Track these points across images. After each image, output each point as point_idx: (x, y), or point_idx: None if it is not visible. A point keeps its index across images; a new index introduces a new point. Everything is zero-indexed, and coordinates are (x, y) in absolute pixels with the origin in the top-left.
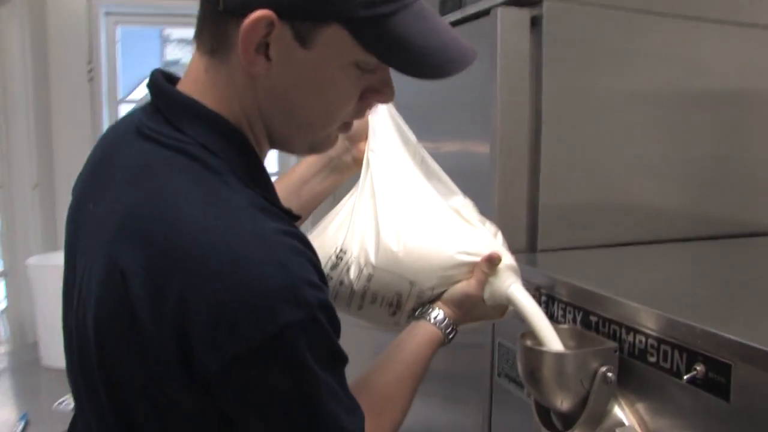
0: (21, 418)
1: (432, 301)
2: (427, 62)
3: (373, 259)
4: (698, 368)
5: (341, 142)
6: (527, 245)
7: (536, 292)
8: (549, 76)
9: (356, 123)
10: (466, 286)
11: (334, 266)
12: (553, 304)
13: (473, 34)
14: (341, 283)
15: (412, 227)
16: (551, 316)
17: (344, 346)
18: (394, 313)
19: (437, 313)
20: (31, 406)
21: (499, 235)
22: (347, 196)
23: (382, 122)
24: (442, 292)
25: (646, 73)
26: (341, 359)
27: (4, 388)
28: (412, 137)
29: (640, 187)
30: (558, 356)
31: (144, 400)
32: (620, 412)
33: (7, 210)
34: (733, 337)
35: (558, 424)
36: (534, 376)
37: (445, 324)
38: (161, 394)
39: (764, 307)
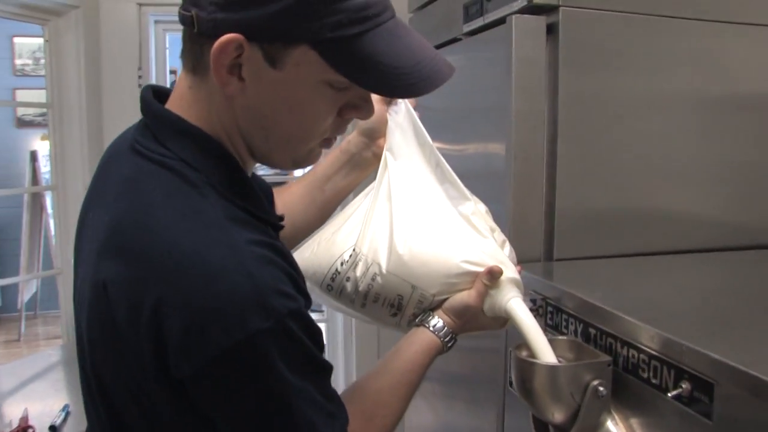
0: (62, 410)
1: (433, 308)
2: (398, 82)
3: (380, 260)
4: (684, 386)
5: (360, 139)
6: (544, 254)
7: (543, 302)
8: (565, 83)
9: (375, 120)
10: (466, 296)
11: (344, 263)
12: (557, 314)
13: (492, 42)
14: (347, 279)
15: (420, 232)
16: (555, 327)
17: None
18: (395, 314)
19: (436, 321)
20: (75, 399)
21: (507, 246)
22: (362, 194)
23: (400, 121)
24: (444, 300)
25: (667, 78)
26: (320, 366)
27: (53, 379)
28: (428, 139)
29: (664, 194)
30: (549, 368)
31: (131, 402)
32: (613, 426)
33: (60, 212)
34: (715, 356)
35: None
36: (526, 387)
37: (444, 332)
38: (144, 396)
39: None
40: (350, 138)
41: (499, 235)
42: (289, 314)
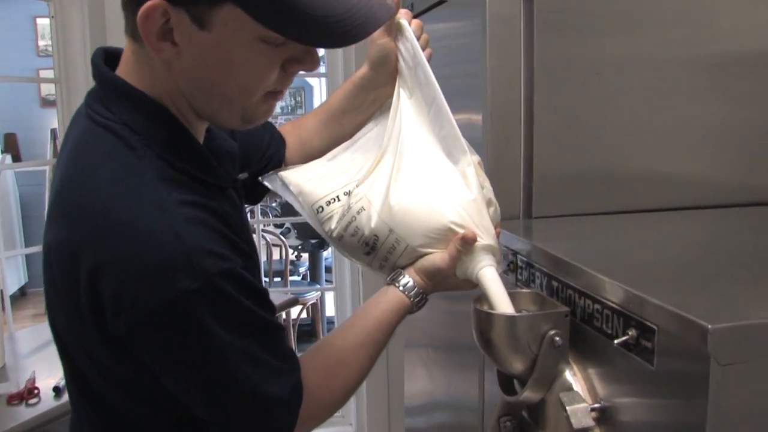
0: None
1: (404, 266)
2: (330, 31)
3: (373, 199)
4: (630, 333)
5: (371, 71)
6: (523, 211)
7: (513, 257)
8: (542, 41)
9: (382, 51)
10: (438, 259)
11: (347, 194)
12: (527, 269)
13: (469, 4)
14: (331, 203)
15: (413, 182)
16: (525, 282)
17: None
18: (368, 254)
19: (407, 280)
20: None
21: (493, 204)
22: (372, 121)
23: (405, 54)
24: (415, 253)
25: (650, 35)
26: (263, 324)
27: None
28: (432, 78)
29: (647, 152)
30: (506, 318)
31: (82, 354)
32: (571, 376)
33: None
34: (654, 300)
35: (518, 390)
36: (485, 338)
37: (414, 292)
38: (91, 349)
39: (732, 275)
40: (362, 71)
41: (488, 192)
42: (220, 274)
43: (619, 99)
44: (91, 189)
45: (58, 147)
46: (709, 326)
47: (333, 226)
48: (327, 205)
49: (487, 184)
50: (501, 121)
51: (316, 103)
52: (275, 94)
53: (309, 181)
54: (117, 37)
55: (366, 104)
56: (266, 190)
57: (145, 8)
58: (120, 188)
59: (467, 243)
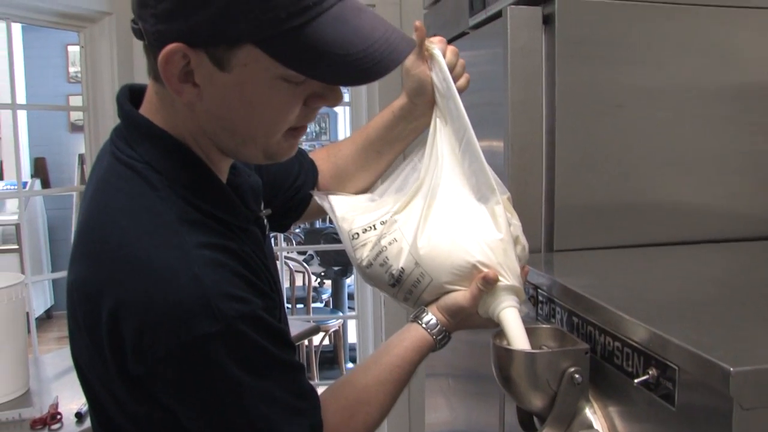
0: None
1: (427, 304)
2: (351, 69)
3: (405, 233)
4: (650, 372)
5: (408, 100)
6: (545, 245)
7: (534, 291)
8: (563, 73)
9: (417, 81)
10: (461, 298)
11: (383, 223)
12: (547, 304)
13: (492, 34)
14: (367, 230)
15: (444, 218)
16: (546, 317)
17: None
18: (393, 285)
19: (430, 318)
20: None
21: (521, 242)
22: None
23: (439, 85)
24: (439, 290)
25: (670, 67)
26: (282, 365)
27: None
28: (463, 112)
29: (668, 185)
30: (526, 355)
31: (103, 390)
32: (591, 414)
33: None
34: (675, 341)
35: (538, 426)
36: (504, 375)
37: (437, 330)
38: (111, 386)
39: (755, 314)
40: (400, 101)
41: (516, 229)
42: (239, 317)
43: (641, 130)
44: (112, 229)
45: (86, 172)
46: (732, 369)
47: (365, 254)
48: (363, 232)
49: (515, 221)
50: (522, 152)
51: (341, 129)
52: (299, 130)
53: (353, 209)
54: (144, 68)
55: (405, 133)
56: (294, 219)
57: (166, 52)
58: (141, 229)
59: (489, 282)
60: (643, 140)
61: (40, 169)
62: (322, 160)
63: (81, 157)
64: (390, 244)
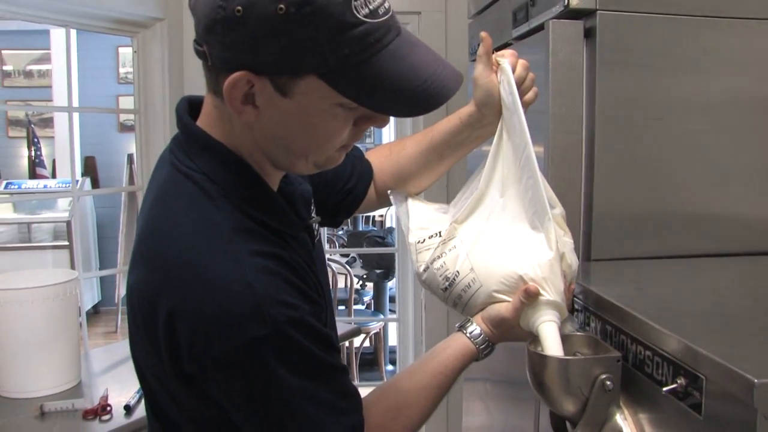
0: (137, 392)
1: (473, 313)
2: (404, 103)
3: (465, 239)
4: (679, 381)
5: (475, 109)
6: (583, 254)
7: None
8: (603, 86)
9: (485, 91)
10: (504, 309)
11: (441, 233)
12: (582, 312)
13: (535, 46)
14: (433, 237)
15: (503, 231)
16: (581, 325)
17: None
18: (445, 289)
19: (474, 328)
20: None
21: (568, 257)
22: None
23: (505, 98)
24: (486, 300)
25: (709, 79)
26: (328, 367)
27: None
28: (525, 127)
29: (707, 196)
30: (560, 361)
31: (159, 387)
32: (621, 420)
33: None
34: (703, 351)
35: (570, 430)
36: (538, 380)
37: (480, 340)
38: (167, 384)
39: None
40: (468, 109)
41: (563, 246)
42: (288, 322)
43: (680, 142)
44: (172, 237)
45: (134, 172)
46: (756, 381)
47: (426, 258)
48: (429, 238)
49: (566, 238)
50: (562, 163)
51: (385, 133)
52: (345, 147)
53: (426, 216)
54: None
55: (470, 140)
56: (346, 216)
57: (232, 78)
58: (198, 238)
59: (530, 296)
60: (681, 152)
61: (90, 168)
62: (384, 157)
63: (130, 157)
64: (450, 250)
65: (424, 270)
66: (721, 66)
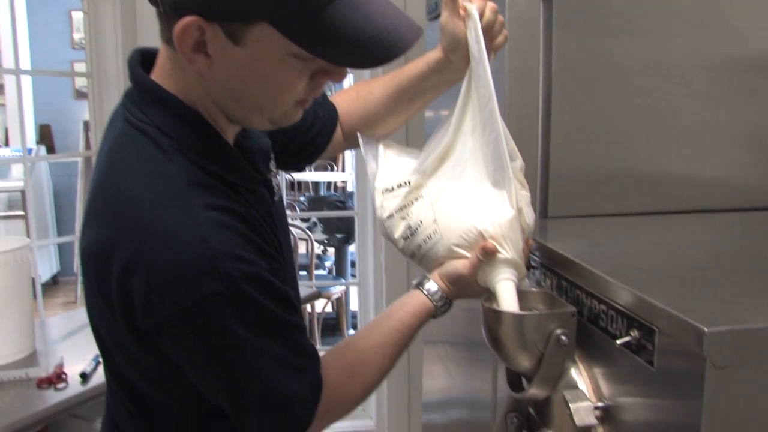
0: (93, 359)
1: (430, 269)
2: (359, 54)
3: (432, 189)
4: (632, 334)
5: (443, 55)
6: (540, 211)
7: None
8: (561, 43)
9: (453, 37)
10: (461, 266)
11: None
12: (539, 268)
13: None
14: (402, 186)
15: (468, 184)
16: (537, 281)
17: None
18: (406, 238)
19: (431, 285)
20: None
21: (526, 212)
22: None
23: (474, 44)
24: (448, 257)
25: (669, 38)
26: (285, 324)
27: (90, 332)
28: (490, 77)
29: (665, 155)
30: (514, 317)
31: (115, 346)
32: (576, 375)
33: None
34: (655, 302)
35: (525, 387)
36: (493, 336)
37: (438, 297)
38: (122, 341)
39: (737, 281)
40: (435, 54)
41: (521, 199)
42: (244, 277)
43: (638, 100)
44: (124, 191)
45: (91, 139)
46: (706, 329)
47: (393, 206)
48: (398, 187)
49: (523, 191)
50: (519, 121)
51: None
52: (302, 102)
53: (396, 161)
54: (148, 32)
55: (439, 84)
56: (309, 163)
57: (182, 24)
58: (151, 191)
59: (488, 253)
60: (638, 110)
61: (45, 136)
62: (352, 101)
63: (86, 124)
64: (417, 200)
65: (388, 217)
66: (681, 25)
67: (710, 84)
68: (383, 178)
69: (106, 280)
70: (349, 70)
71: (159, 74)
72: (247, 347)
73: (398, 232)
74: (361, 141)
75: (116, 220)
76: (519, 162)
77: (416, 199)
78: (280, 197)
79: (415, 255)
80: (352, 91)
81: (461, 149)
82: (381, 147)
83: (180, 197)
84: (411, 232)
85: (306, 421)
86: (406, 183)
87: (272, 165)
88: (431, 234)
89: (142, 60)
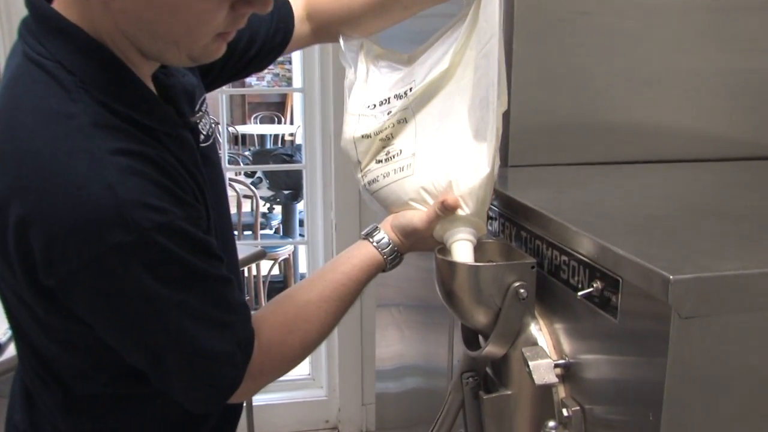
0: (8, 328)
1: (380, 223)
2: None
3: (419, 117)
4: (595, 285)
5: None
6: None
7: None
8: None
9: None
10: (417, 218)
11: (398, 96)
12: (497, 219)
13: None
14: (384, 103)
15: (455, 123)
16: (495, 232)
17: None
18: (378, 162)
19: (382, 236)
20: None
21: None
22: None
23: None
24: (411, 198)
25: None
26: (205, 277)
27: None
28: (497, 17)
29: (632, 102)
30: (469, 268)
31: (19, 304)
32: (536, 331)
33: None
34: (620, 251)
35: (482, 344)
36: (447, 289)
37: (389, 250)
38: (25, 299)
39: (703, 229)
40: None
41: (490, 148)
42: (155, 228)
43: (605, 43)
44: (22, 135)
45: None
46: (671, 277)
47: (372, 126)
48: (380, 104)
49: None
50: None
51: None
52: (225, 35)
53: (378, 73)
54: None
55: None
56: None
57: None
58: (50, 134)
59: (447, 209)
60: (606, 54)
61: None
62: (334, 1)
63: None
64: (401, 124)
65: (364, 136)
66: None
67: (684, 26)
68: (363, 91)
69: (3, 232)
70: None
71: (60, 2)
72: (162, 303)
73: (370, 155)
74: (343, 45)
75: (11, 166)
76: (503, 106)
77: (401, 124)
78: (214, 141)
79: (374, 183)
80: None
81: (458, 80)
82: (362, 54)
83: (82, 141)
84: (387, 157)
85: (235, 381)
86: (388, 100)
87: (203, 105)
88: (404, 167)
89: None
